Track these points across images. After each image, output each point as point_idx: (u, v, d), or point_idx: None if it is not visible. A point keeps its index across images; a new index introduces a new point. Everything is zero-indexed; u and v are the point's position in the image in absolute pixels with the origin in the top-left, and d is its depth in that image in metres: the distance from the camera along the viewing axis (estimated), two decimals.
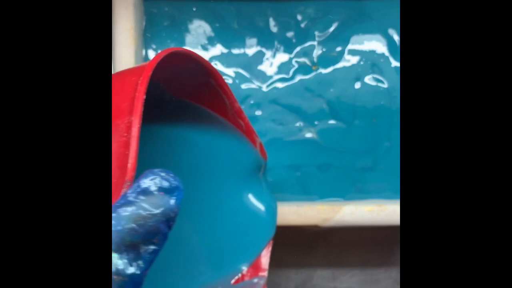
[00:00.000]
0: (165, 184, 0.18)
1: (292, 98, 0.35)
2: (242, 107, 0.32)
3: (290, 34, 0.35)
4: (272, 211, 0.30)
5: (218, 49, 0.35)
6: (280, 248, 0.40)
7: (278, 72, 0.35)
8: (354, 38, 0.35)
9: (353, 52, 0.35)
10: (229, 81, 0.35)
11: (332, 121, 0.35)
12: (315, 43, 0.35)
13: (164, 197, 0.18)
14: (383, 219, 0.32)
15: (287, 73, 0.35)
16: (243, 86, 0.35)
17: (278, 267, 0.40)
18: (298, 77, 0.35)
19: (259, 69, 0.35)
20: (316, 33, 0.35)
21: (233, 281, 0.28)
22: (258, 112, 0.35)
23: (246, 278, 0.28)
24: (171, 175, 0.18)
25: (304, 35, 0.35)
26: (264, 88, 0.35)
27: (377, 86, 0.35)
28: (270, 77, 0.35)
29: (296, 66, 0.35)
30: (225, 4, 0.35)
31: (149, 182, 0.18)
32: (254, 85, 0.35)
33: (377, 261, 0.40)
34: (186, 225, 0.29)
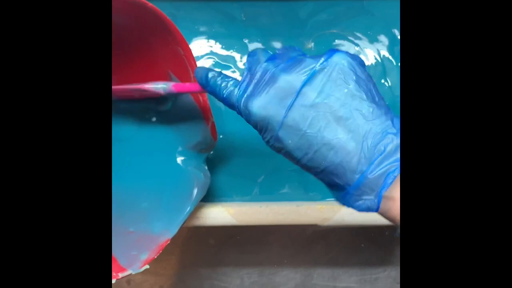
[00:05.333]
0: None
1: None
2: None
3: (291, 33, 0.36)
4: (207, 179, 0.32)
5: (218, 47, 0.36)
6: (280, 247, 0.40)
7: None
8: (356, 37, 0.35)
9: (355, 52, 0.35)
10: None
11: None
12: (313, 44, 0.35)
13: None
14: (382, 219, 0.32)
15: None
16: None
17: (277, 266, 0.40)
18: None
19: None
20: (318, 32, 0.35)
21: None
22: None
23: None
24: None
25: (305, 34, 0.35)
26: None
27: (379, 85, 0.35)
28: None
29: None
30: (230, 3, 0.35)
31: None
32: None
33: (376, 260, 0.40)
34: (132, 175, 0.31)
